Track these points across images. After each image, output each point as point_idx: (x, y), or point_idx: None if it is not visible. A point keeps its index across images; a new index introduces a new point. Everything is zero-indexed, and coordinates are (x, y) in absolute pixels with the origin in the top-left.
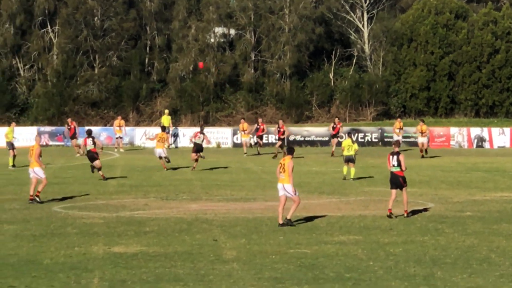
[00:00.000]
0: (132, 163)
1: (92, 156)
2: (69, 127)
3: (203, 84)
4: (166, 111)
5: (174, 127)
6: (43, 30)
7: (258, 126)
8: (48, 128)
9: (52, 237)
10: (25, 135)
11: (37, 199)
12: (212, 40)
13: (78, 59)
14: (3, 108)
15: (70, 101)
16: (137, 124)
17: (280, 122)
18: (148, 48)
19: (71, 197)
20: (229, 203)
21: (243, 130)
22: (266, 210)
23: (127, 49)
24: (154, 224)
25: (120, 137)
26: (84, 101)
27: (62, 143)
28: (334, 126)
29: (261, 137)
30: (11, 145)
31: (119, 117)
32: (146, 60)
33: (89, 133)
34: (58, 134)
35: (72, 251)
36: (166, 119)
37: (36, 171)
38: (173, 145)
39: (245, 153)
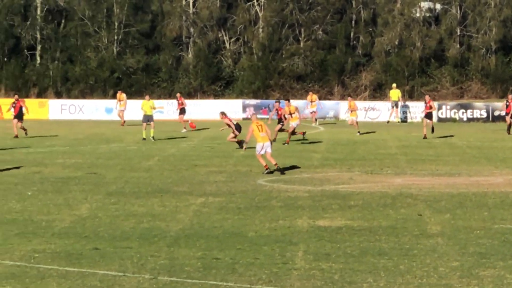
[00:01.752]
0: (336, 137)
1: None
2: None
3: (408, 58)
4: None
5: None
6: (248, 3)
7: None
8: (253, 101)
9: (257, 210)
10: (231, 108)
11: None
12: (418, 14)
13: (284, 33)
14: (209, 81)
15: (275, 75)
16: (342, 98)
17: (427, 97)
18: (353, 22)
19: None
20: (434, 178)
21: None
22: (470, 185)
23: (332, 23)
24: (359, 198)
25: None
26: (289, 75)
27: (267, 116)
28: (507, 103)
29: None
30: (146, 118)
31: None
32: (351, 34)
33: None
34: (263, 107)
35: (277, 224)
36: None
37: (266, 146)
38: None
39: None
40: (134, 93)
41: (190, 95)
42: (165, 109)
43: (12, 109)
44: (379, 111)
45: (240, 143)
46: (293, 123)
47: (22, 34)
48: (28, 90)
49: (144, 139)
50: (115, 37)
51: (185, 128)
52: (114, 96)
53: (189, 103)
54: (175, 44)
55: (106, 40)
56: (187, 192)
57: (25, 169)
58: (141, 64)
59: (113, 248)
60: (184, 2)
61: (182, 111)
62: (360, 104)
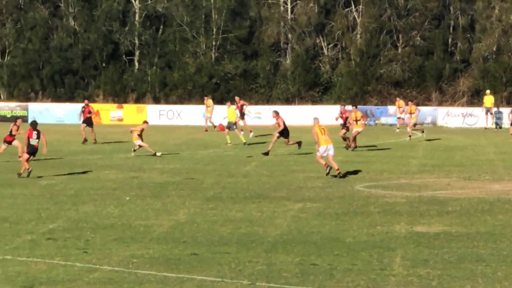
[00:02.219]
0: (434, 143)
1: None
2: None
3: (506, 64)
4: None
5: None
6: (347, 9)
7: None
8: (350, 107)
9: (355, 215)
10: (328, 113)
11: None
12: None
13: (382, 39)
14: (307, 86)
15: (373, 80)
16: (440, 104)
17: None
18: (451, 28)
19: (371, 176)
20: None
21: None
22: None
23: (430, 29)
24: (457, 204)
25: (402, 118)
26: (387, 81)
27: (365, 122)
28: None
29: None
30: (229, 125)
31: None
32: (449, 40)
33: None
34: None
35: (374, 230)
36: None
37: (329, 148)
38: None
39: None
40: (232, 98)
41: (288, 101)
42: (263, 114)
43: (82, 114)
44: (476, 117)
45: (299, 143)
46: (357, 129)
47: (120, 40)
48: (126, 96)
49: (244, 143)
50: (213, 43)
51: (251, 131)
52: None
53: (287, 109)
54: (273, 50)
55: (204, 45)
56: (285, 198)
57: (123, 174)
58: (239, 70)
59: (211, 253)
60: (282, 8)
61: (242, 114)
62: (458, 110)
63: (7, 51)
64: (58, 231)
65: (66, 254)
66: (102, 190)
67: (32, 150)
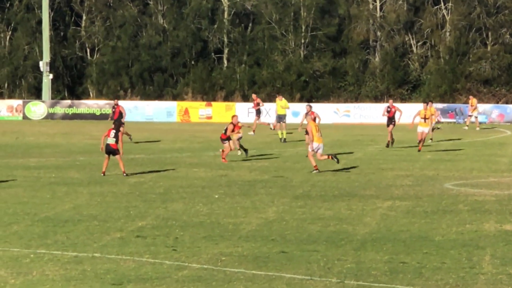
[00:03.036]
0: None
1: None
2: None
3: None
4: None
5: None
6: (436, 7)
7: None
8: (440, 105)
9: (444, 214)
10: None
11: None
12: None
13: (471, 36)
14: (396, 84)
15: (462, 78)
16: None
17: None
18: None
19: (461, 174)
20: None
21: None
22: None
23: None
24: None
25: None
26: (476, 78)
27: (454, 120)
28: None
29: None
30: (279, 118)
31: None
32: None
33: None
34: (449, 111)
35: (464, 228)
36: None
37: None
38: None
39: None
40: (321, 96)
41: (377, 99)
42: (352, 112)
43: (112, 113)
44: None
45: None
46: (423, 128)
47: (209, 37)
48: (215, 94)
49: (282, 140)
50: (302, 41)
51: (253, 131)
52: (301, 100)
53: (376, 107)
54: (362, 48)
55: (293, 43)
56: (374, 196)
57: (212, 172)
58: (328, 68)
59: (300, 251)
60: (371, 6)
61: (258, 112)
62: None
63: (96, 49)
64: (147, 229)
65: (155, 252)
66: (191, 188)
67: (108, 149)
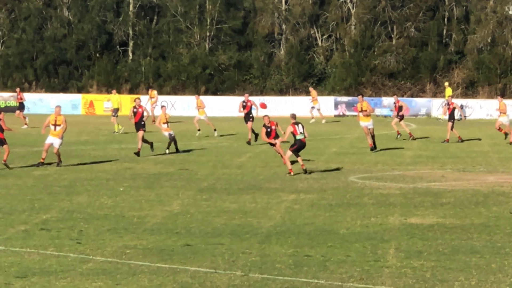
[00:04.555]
0: (429, 134)
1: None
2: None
3: (500, 56)
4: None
5: None
6: (341, 0)
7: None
8: (345, 98)
9: (349, 207)
10: (323, 105)
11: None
12: (511, 12)
13: (376, 30)
14: (301, 77)
15: (367, 72)
16: (434, 95)
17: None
18: (446, 20)
19: (366, 168)
20: None
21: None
22: None
23: (425, 20)
24: (451, 196)
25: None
26: (381, 72)
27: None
28: None
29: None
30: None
31: None
32: (444, 32)
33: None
34: (354, 105)
35: (368, 221)
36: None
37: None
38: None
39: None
40: (226, 89)
41: (282, 92)
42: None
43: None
44: (471, 109)
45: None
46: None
47: (114, 30)
48: (120, 86)
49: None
50: (207, 34)
51: (215, 129)
52: (206, 93)
53: (281, 100)
54: (267, 41)
55: (198, 36)
56: (279, 189)
57: (117, 165)
58: (233, 61)
59: (204, 244)
60: None
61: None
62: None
63: (1, 41)
64: (51, 221)
65: (59, 245)
66: (95, 181)
67: None
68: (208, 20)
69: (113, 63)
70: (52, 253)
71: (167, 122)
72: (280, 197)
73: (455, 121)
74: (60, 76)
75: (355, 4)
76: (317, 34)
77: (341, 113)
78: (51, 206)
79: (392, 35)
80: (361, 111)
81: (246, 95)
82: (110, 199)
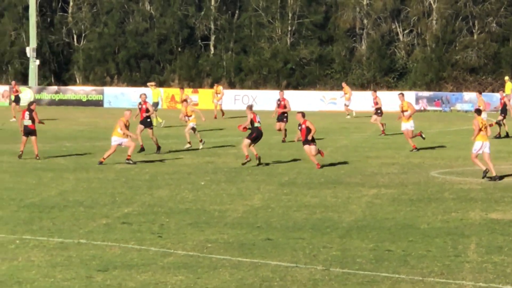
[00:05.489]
0: (510, 129)
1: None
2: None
3: None
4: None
5: None
6: None
7: None
8: (426, 93)
9: (429, 202)
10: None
11: None
12: None
13: (457, 25)
14: (382, 72)
15: (448, 67)
16: None
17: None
18: None
19: (446, 163)
20: None
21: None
22: None
23: (506, 15)
24: None
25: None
26: (462, 67)
27: (440, 108)
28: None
29: None
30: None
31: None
32: None
33: None
34: (436, 100)
35: (449, 217)
36: None
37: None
38: None
39: None
40: (307, 84)
41: (363, 87)
42: (338, 100)
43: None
44: None
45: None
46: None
47: (196, 24)
48: (201, 81)
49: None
50: (289, 28)
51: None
52: (287, 87)
53: (362, 95)
54: (348, 36)
55: (279, 31)
56: (360, 184)
57: (198, 159)
58: (314, 55)
59: (285, 238)
60: None
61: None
62: None
63: (83, 35)
64: (132, 215)
65: (140, 239)
66: (177, 175)
67: (27, 131)
68: (290, 15)
69: (195, 57)
70: (133, 247)
71: (187, 115)
72: (360, 191)
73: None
74: (142, 70)
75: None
76: (398, 29)
77: (422, 108)
78: (132, 200)
79: (474, 30)
80: (402, 111)
81: (281, 93)
82: (191, 193)
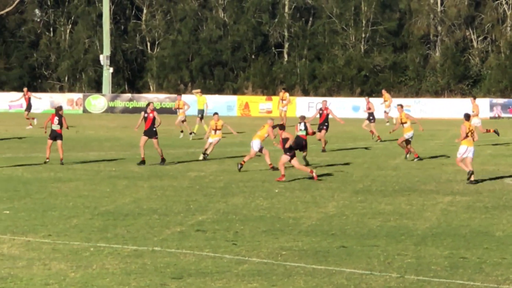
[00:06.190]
0: None
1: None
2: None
3: None
4: None
5: None
6: (497, 1)
7: None
8: (500, 100)
9: (504, 209)
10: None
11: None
12: None
13: None
14: (456, 79)
15: None
16: None
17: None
18: None
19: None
20: None
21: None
22: None
23: None
24: None
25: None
26: None
27: (510, 116)
28: None
29: None
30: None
31: None
32: None
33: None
34: (510, 106)
35: None
36: None
37: None
38: None
39: None
40: (381, 91)
41: (437, 94)
42: (412, 107)
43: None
44: None
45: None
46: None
47: (270, 31)
48: (275, 88)
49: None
50: (363, 35)
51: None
52: (361, 95)
53: (435, 102)
54: (422, 42)
55: (353, 38)
56: (434, 191)
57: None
58: (388, 62)
59: (360, 246)
60: (432, 1)
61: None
62: None
63: (157, 42)
64: (207, 223)
65: (215, 246)
66: (251, 182)
67: (54, 135)
68: (364, 22)
69: (269, 64)
70: (207, 254)
71: (216, 129)
72: (435, 199)
73: None
74: (216, 77)
75: (511, 6)
76: (472, 36)
77: (496, 115)
78: (206, 208)
79: None
80: (401, 123)
81: (324, 101)
82: (266, 201)
